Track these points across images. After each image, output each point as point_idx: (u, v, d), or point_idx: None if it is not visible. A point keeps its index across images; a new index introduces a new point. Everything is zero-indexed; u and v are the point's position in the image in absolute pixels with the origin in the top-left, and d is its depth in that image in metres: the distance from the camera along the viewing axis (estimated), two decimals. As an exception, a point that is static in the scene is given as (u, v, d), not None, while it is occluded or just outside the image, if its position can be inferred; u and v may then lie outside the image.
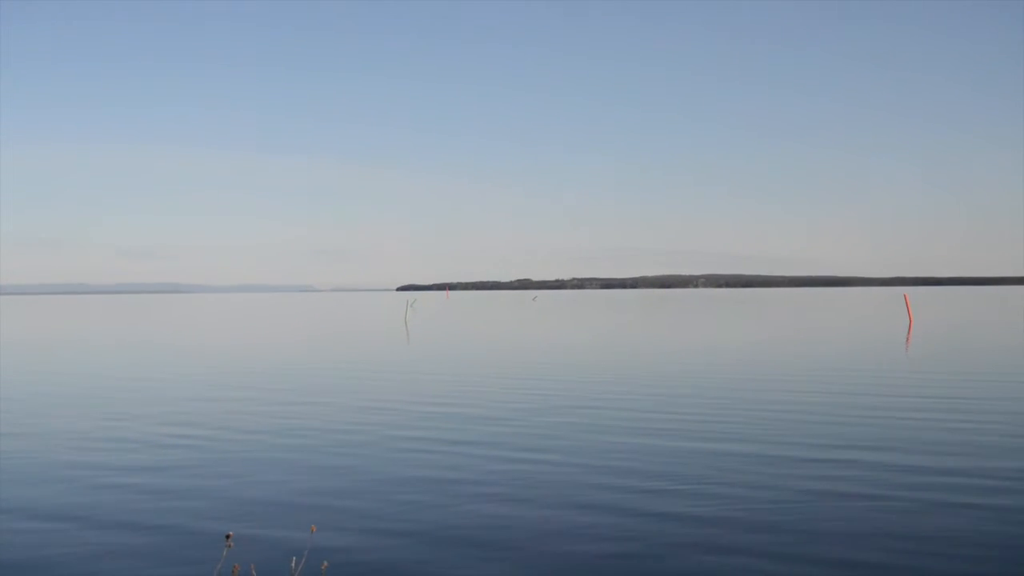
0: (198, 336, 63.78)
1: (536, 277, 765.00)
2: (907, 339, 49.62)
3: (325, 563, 7.27)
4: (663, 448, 16.97)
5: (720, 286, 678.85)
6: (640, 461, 15.74)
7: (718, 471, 14.79)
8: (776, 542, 10.84)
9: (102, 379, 31.79)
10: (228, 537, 6.18)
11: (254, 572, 6.87)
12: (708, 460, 15.73)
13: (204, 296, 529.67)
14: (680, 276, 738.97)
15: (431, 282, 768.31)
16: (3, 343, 56.44)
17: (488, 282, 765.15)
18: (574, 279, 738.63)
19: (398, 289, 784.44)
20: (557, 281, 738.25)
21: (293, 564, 7.39)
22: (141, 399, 25.65)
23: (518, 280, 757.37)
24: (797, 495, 13.07)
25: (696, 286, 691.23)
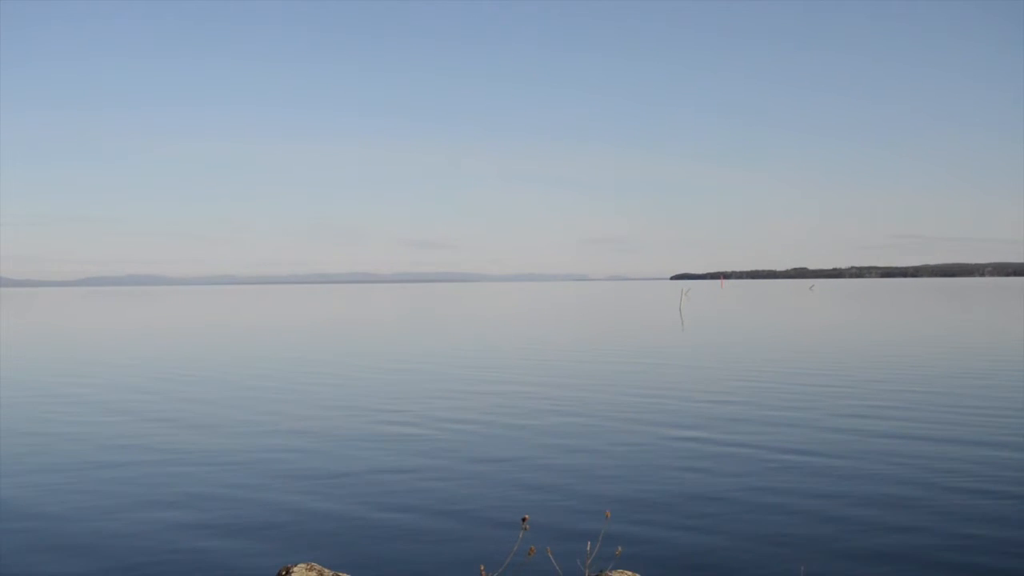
0: (482, 324, 66.61)
1: (812, 266, 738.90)
2: None
3: (619, 549, 7.58)
4: (971, 456, 15.93)
5: (1009, 275, 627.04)
6: (938, 471, 14.87)
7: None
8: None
9: (384, 369, 34.16)
10: (524, 520, 6.42)
11: (550, 554, 7.21)
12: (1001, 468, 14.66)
13: (484, 285, 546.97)
14: (965, 265, 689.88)
15: (704, 271, 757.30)
16: (318, 327, 61.58)
17: (763, 271, 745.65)
18: (852, 267, 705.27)
19: (672, 278, 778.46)
20: (835, 270, 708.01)
21: (588, 548, 7.70)
22: (421, 388, 27.29)
23: (794, 268, 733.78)
24: None
25: (983, 275, 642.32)
